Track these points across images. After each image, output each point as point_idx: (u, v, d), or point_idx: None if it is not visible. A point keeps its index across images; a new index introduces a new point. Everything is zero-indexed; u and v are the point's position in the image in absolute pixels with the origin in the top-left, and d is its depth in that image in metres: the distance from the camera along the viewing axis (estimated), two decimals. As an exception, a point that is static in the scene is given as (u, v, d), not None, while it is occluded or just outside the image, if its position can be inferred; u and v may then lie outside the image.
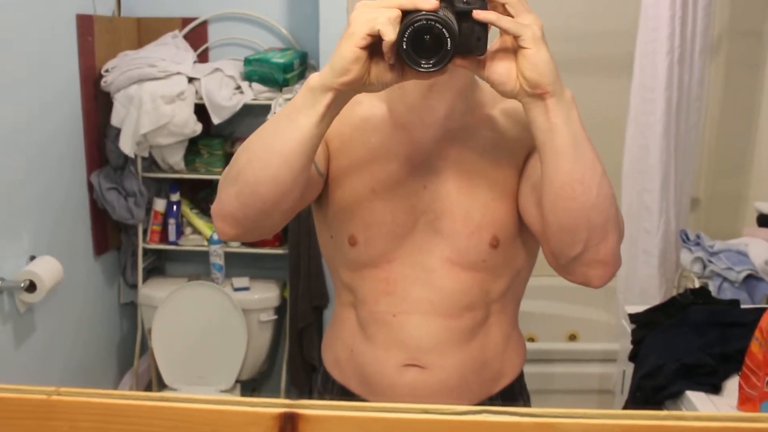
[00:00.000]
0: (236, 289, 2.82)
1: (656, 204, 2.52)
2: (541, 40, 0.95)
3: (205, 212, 2.89)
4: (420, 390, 1.18)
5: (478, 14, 0.94)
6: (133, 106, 2.55)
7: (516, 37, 0.94)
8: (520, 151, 1.17)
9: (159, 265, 3.07)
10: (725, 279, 2.25)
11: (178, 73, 2.62)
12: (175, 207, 2.83)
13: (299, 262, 2.73)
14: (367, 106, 1.18)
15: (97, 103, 2.64)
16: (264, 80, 2.66)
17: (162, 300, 2.75)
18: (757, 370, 1.54)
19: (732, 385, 1.71)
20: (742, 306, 2.06)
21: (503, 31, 0.96)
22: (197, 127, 2.64)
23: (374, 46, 0.94)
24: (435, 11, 0.91)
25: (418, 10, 0.91)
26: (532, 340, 3.12)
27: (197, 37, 2.88)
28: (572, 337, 3.22)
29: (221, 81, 2.67)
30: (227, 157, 2.77)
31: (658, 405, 1.82)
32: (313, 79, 0.98)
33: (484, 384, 1.24)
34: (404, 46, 0.91)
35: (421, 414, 0.51)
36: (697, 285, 2.31)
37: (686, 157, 2.58)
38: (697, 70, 2.52)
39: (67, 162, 2.51)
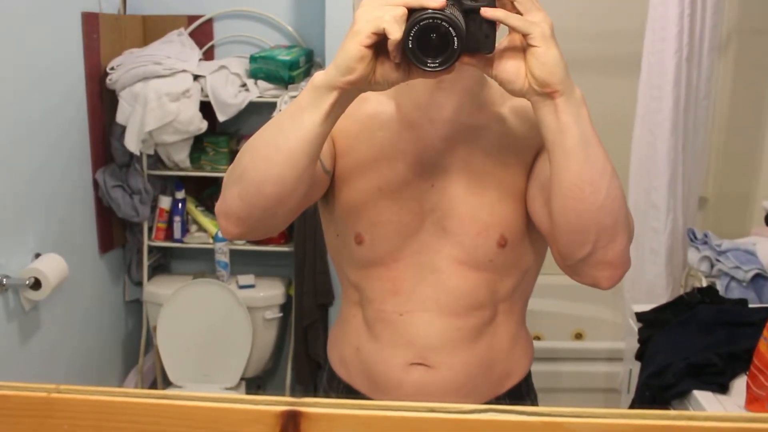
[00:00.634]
0: (241, 287, 2.82)
1: (664, 202, 2.50)
2: (551, 38, 0.93)
3: (210, 210, 2.89)
4: (426, 389, 1.17)
5: (486, 12, 0.92)
6: (139, 103, 2.55)
7: (525, 35, 0.93)
8: (528, 150, 1.15)
9: (164, 263, 3.07)
10: (733, 278, 2.23)
11: (184, 71, 2.62)
12: (180, 204, 2.83)
13: (305, 259, 2.73)
14: (374, 103, 1.17)
15: (103, 101, 2.64)
16: (269, 78, 2.65)
17: (167, 297, 2.74)
18: (766, 369, 1.53)
19: (739, 384, 1.70)
20: (750, 305, 2.04)
21: (512, 29, 0.94)
22: (203, 125, 2.63)
23: (380, 45, 0.92)
24: (442, 9, 0.89)
25: (424, 8, 0.89)
26: (538, 338, 3.11)
27: (203, 34, 2.87)
28: (578, 336, 3.21)
29: (227, 78, 2.67)
30: (233, 155, 2.77)
31: (664, 404, 1.81)
32: (318, 77, 0.96)
33: (491, 383, 1.23)
34: (410, 45, 0.90)
35: (426, 413, 0.50)
36: (704, 284, 2.30)
37: (694, 156, 2.56)
38: (706, 68, 2.50)
39: (73, 159, 2.51)
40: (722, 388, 1.72)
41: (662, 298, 2.46)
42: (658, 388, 1.81)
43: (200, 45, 2.84)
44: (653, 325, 2.06)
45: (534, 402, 1.30)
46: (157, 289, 2.84)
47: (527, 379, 1.29)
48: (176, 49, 2.71)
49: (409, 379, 1.18)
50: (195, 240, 2.87)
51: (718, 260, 2.30)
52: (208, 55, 2.88)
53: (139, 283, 2.90)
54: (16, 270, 2.12)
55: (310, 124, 0.97)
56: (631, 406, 2.01)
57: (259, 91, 2.67)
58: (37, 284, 2.12)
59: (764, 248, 2.26)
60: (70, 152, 2.49)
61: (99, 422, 0.52)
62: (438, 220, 1.16)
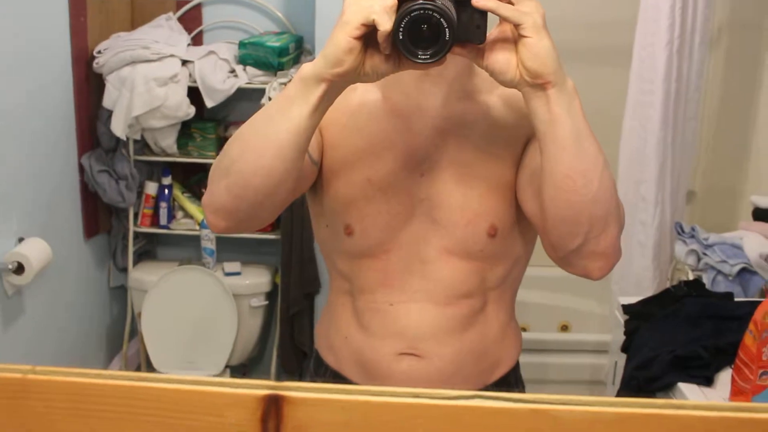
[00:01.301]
0: (227, 274, 2.80)
1: (652, 195, 2.51)
2: (543, 28, 0.92)
3: (197, 196, 2.87)
4: (416, 378, 1.17)
5: (478, 2, 0.91)
6: (126, 88, 2.52)
7: (516, 26, 0.92)
8: (518, 139, 1.14)
9: (150, 249, 3.05)
10: (719, 272, 2.24)
11: (172, 56, 2.59)
12: (166, 190, 2.81)
13: (291, 248, 2.72)
14: (361, 92, 1.16)
15: (89, 85, 2.61)
16: (259, 64, 2.63)
17: (152, 284, 2.73)
18: (751, 363, 1.53)
19: (724, 377, 1.70)
20: (736, 299, 2.05)
21: (503, 19, 0.93)
22: (190, 111, 2.61)
23: (369, 36, 0.91)
24: (433, 0, 0.88)
25: None
26: (524, 329, 3.10)
27: (191, 19, 2.84)
28: (564, 328, 3.21)
29: (215, 64, 2.64)
30: (220, 141, 2.75)
31: (649, 396, 1.81)
32: (306, 69, 0.95)
33: (480, 373, 1.23)
34: (400, 37, 0.89)
35: (410, 398, 0.49)
36: (691, 277, 2.30)
37: (683, 149, 2.56)
38: (697, 61, 2.50)
39: (58, 143, 2.48)
40: (707, 381, 1.72)
41: (649, 290, 2.47)
42: (643, 380, 1.82)
43: (189, 30, 2.82)
44: (640, 317, 2.06)
45: (522, 392, 1.30)
46: (142, 275, 2.82)
47: (515, 369, 1.29)
48: (164, 34, 2.69)
49: (399, 368, 1.18)
50: (181, 226, 2.85)
51: (704, 254, 2.30)
52: (197, 41, 2.86)
53: (124, 269, 2.88)
54: (-1, 254, 2.10)
55: (299, 116, 0.95)
56: (616, 398, 2.01)
57: (248, 77, 2.65)
58: (20, 269, 2.10)
59: (751, 243, 2.26)
60: (56, 136, 2.46)
61: (75, 404, 0.50)
62: (428, 210, 1.15)
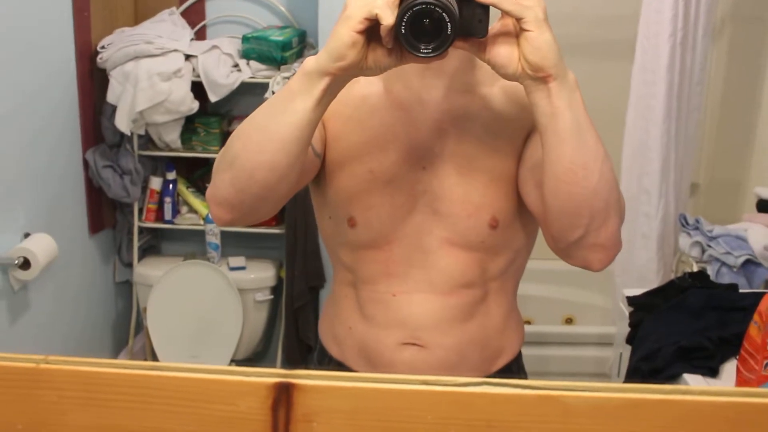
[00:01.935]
0: (232, 269, 2.81)
1: (656, 187, 2.51)
2: (544, 22, 0.93)
3: (201, 191, 2.87)
4: (418, 368, 1.18)
5: None
6: (130, 83, 2.52)
7: (518, 20, 0.92)
8: (519, 132, 1.15)
9: (155, 244, 3.05)
10: (723, 264, 2.24)
11: (175, 51, 2.59)
12: (171, 185, 2.81)
13: (296, 241, 2.72)
14: (364, 85, 1.16)
15: (93, 80, 2.62)
16: (262, 58, 2.63)
17: (157, 279, 2.73)
18: (756, 353, 1.53)
19: (729, 368, 1.71)
20: (740, 290, 2.05)
21: (505, 13, 0.94)
22: (194, 105, 2.61)
23: (372, 29, 0.92)
24: None
25: None
26: (528, 323, 3.12)
27: (194, 14, 2.84)
28: (569, 321, 3.22)
29: (219, 59, 2.64)
30: (224, 136, 2.75)
31: (654, 388, 1.81)
32: (309, 63, 0.96)
33: (482, 362, 1.23)
34: (403, 31, 0.89)
35: (420, 385, 0.49)
36: (695, 269, 2.31)
37: (687, 141, 2.56)
38: (699, 53, 2.50)
39: (63, 139, 2.49)
40: (712, 372, 1.73)
41: (653, 283, 2.47)
42: (648, 372, 1.82)
43: (192, 25, 2.82)
44: (644, 309, 2.06)
45: None
46: (147, 270, 2.82)
47: (518, 359, 1.30)
48: (168, 29, 2.69)
49: (402, 358, 1.19)
50: (186, 221, 2.85)
51: (709, 246, 2.30)
52: (200, 35, 2.86)
53: (129, 264, 2.88)
54: (5, 249, 2.11)
55: (302, 110, 0.96)
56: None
57: (252, 71, 2.65)
58: (26, 264, 2.11)
59: (755, 234, 2.26)
60: (61, 131, 2.47)
61: (87, 393, 0.51)
62: (430, 202, 1.15)
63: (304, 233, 2.70)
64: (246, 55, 2.66)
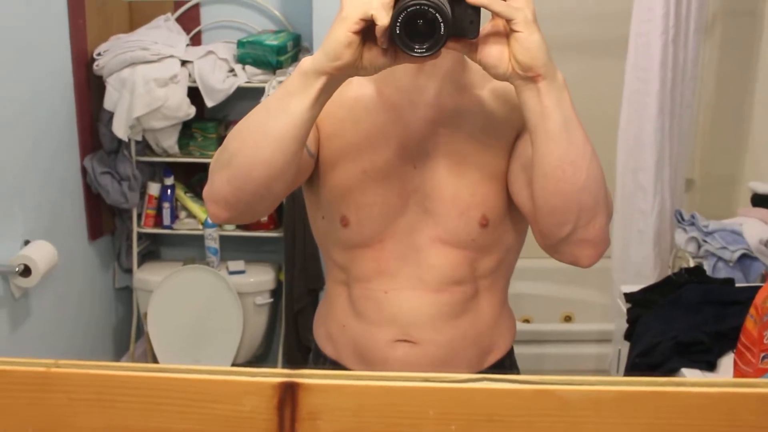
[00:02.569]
0: (232, 273, 2.82)
1: (651, 184, 2.52)
2: (533, 23, 0.95)
3: (199, 196, 2.88)
4: (411, 364, 1.20)
5: None
6: (126, 89, 2.53)
7: (508, 21, 0.95)
8: (509, 132, 1.17)
9: (154, 250, 3.06)
10: (720, 258, 2.25)
11: (171, 56, 2.60)
12: (169, 191, 2.82)
13: (294, 245, 2.73)
14: (356, 86, 1.18)
15: (90, 87, 2.63)
16: (257, 63, 2.64)
17: (157, 284, 2.74)
18: (752, 346, 1.55)
19: (727, 362, 1.72)
20: (737, 285, 2.06)
21: (495, 15, 0.96)
22: (191, 111, 2.62)
23: (367, 30, 0.94)
24: None
25: None
26: (527, 321, 3.13)
27: (190, 19, 2.85)
28: (567, 319, 3.23)
29: (214, 64, 2.66)
30: (221, 141, 2.74)
31: (653, 383, 1.83)
32: (306, 63, 0.98)
33: (474, 358, 1.25)
34: (397, 31, 0.92)
35: (421, 382, 0.51)
36: (691, 264, 2.32)
37: (681, 137, 2.57)
38: (692, 49, 2.51)
39: (61, 146, 2.49)
40: (710, 366, 1.74)
41: (650, 279, 2.48)
42: (646, 367, 1.83)
43: (187, 30, 2.83)
44: (642, 305, 2.08)
45: None
46: (147, 275, 2.83)
47: (510, 354, 1.32)
48: (163, 35, 2.70)
49: (395, 355, 1.21)
50: (184, 226, 2.86)
51: (705, 241, 2.32)
52: (195, 41, 2.87)
53: (129, 270, 2.89)
54: (6, 257, 2.12)
55: (299, 109, 0.98)
56: (620, 386, 2.03)
57: (247, 76, 2.66)
58: (26, 271, 2.12)
59: (750, 229, 2.27)
60: (58, 139, 2.48)
61: (97, 395, 0.52)
62: (421, 200, 1.18)
63: (303, 236, 2.71)
64: (241, 59, 2.67)
